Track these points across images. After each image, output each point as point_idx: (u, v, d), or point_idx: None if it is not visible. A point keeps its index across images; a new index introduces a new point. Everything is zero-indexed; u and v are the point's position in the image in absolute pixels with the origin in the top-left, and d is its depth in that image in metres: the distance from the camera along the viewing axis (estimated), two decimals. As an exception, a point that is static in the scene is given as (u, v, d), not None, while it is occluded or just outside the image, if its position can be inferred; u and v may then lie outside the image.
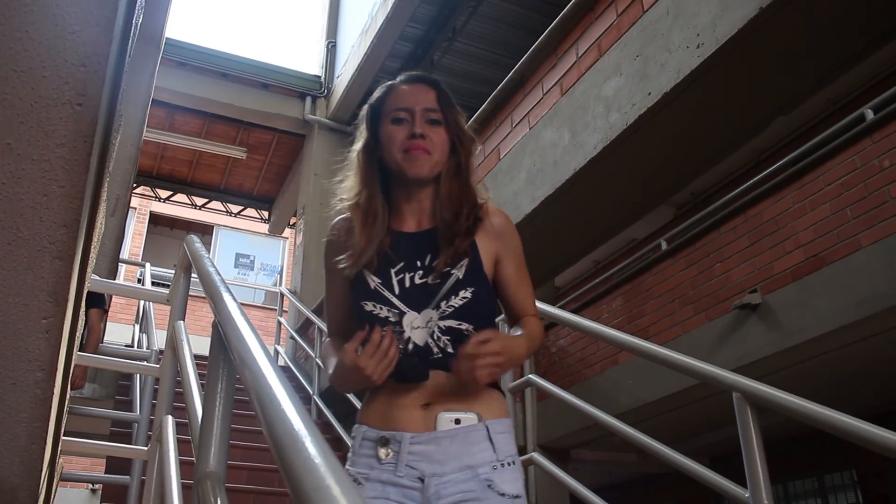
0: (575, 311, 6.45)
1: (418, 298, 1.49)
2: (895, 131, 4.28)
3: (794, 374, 4.77)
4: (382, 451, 1.43)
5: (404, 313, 1.48)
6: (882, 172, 4.26)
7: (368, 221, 1.54)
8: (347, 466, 1.47)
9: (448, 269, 1.49)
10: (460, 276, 1.48)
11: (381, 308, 1.49)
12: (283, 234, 13.78)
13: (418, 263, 1.52)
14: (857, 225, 4.32)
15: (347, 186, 1.61)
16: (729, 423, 2.25)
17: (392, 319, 1.48)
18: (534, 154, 4.11)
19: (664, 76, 3.21)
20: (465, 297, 1.47)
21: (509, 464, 1.45)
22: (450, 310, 1.47)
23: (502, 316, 1.71)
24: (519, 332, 1.55)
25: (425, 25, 8.41)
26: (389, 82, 1.63)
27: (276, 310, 9.15)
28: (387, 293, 1.50)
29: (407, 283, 1.51)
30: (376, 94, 1.63)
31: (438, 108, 1.56)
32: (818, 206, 4.63)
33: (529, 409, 3.98)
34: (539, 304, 3.40)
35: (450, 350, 1.46)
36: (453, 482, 1.40)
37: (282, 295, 8.80)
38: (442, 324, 1.47)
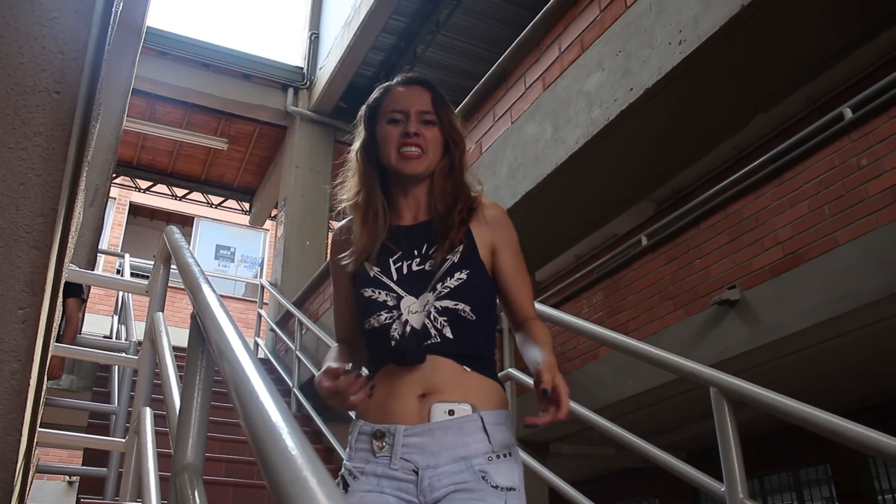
0: (555, 306, 6.47)
1: (416, 284, 1.53)
2: (873, 130, 4.32)
3: (772, 370, 4.82)
4: (377, 445, 1.45)
5: (402, 297, 1.52)
6: (860, 171, 4.31)
7: (369, 219, 1.59)
8: (345, 462, 1.50)
9: (445, 256, 1.53)
10: (455, 260, 1.52)
11: (379, 293, 1.53)
12: (264, 226, 13.70)
13: (415, 252, 1.57)
14: (834, 222, 4.36)
15: (348, 187, 1.67)
16: (707, 418, 2.27)
17: (390, 303, 1.51)
18: (515, 148, 4.11)
19: (646, 72, 3.22)
20: (460, 279, 1.50)
21: (505, 455, 1.44)
22: (445, 290, 1.49)
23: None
24: (535, 347, 1.54)
25: (409, 18, 8.39)
26: (386, 83, 1.69)
27: (256, 302, 9.11)
28: (385, 279, 1.55)
29: (405, 270, 1.55)
30: (374, 95, 1.68)
31: (433, 109, 1.61)
32: (797, 204, 4.67)
33: (510, 404, 4.00)
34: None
35: (448, 334, 1.48)
36: (447, 473, 1.40)
37: (262, 287, 8.76)
38: (438, 304, 1.49)
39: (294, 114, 9.15)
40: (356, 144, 1.68)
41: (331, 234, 1.69)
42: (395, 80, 1.69)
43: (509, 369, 3.57)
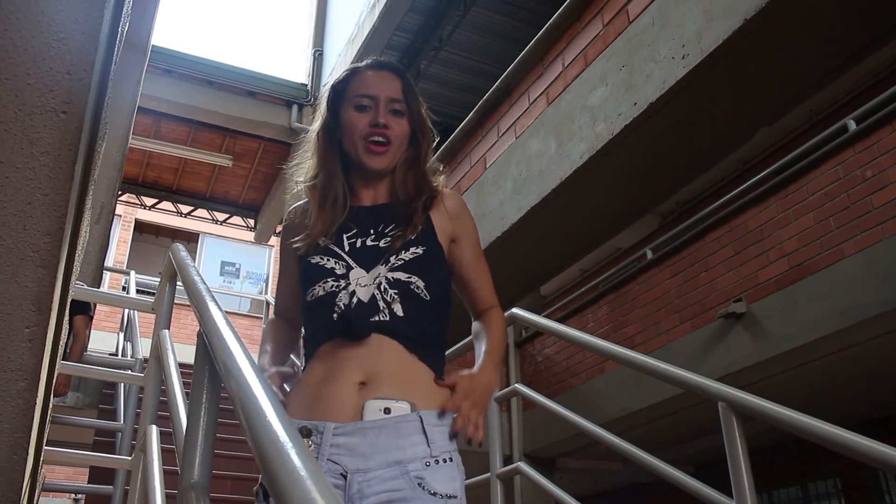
0: (561, 320, 6.47)
1: (368, 258, 1.44)
2: (877, 142, 4.32)
3: (779, 383, 4.80)
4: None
5: (352, 268, 1.43)
6: (865, 182, 4.30)
7: (327, 203, 1.51)
8: None
9: (405, 238, 1.45)
10: (412, 238, 1.44)
11: (327, 259, 1.45)
12: (269, 243, 13.72)
13: (371, 231, 1.48)
14: (840, 234, 4.35)
15: (305, 168, 1.59)
16: (715, 432, 2.26)
17: (338, 271, 1.43)
18: (520, 163, 4.12)
19: (650, 87, 3.23)
20: (415, 253, 1.42)
21: (445, 460, 1.31)
22: (399, 262, 1.41)
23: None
24: (481, 344, 1.50)
25: (412, 35, 8.42)
26: (354, 65, 1.60)
27: (261, 318, 9.11)
28: (336, 248, 1.46)
29: (358, 245, 1.46)
30: (340, 75, 1.59)
31: (403, 98, 1.53)
32: (802, 216, 4.66)
33: (515, 419, 3.98)
34: (525, 314, 3.42)
35: (397, 311, 1.38)
36: (379, 479, 1.27)
37: (267, 303, 8.75)
38: (390, 275, 1.40)
39: (298, 130, 9.17)
40: (316, 125, 1.58)
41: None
42: (363, 63, 1.59)
43: (515, 385, 3.55)
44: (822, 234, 4.48)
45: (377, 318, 1.37)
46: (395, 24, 7.92)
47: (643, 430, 5.59)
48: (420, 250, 1.43)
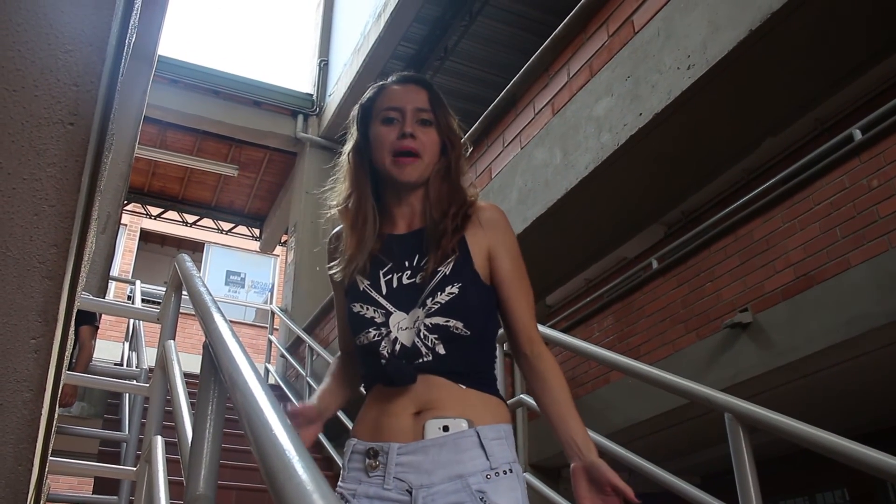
0: (566, 330, 6.45)
1: (406, 298, 1.43)
2: (883, 151, 4.31)
3: (785, 393, 4.77)
4: (370, 464, 1.36)
5: (391, 313, 1.43)
6: (870, 192, 4.29)
7: (357, 225, 1.50)
8: (339, 483, 1.42)
9: (436, 267, 1.43)
10: (447, 273, 1.42)
11: (367, 308, 1.44)
12: (275, 252, 13.75)
13: (406, 264, 1.47)
14: (846, 244, 4.34)
15: (338, 191, 1.57)
16: (721, 442, 2.25)
17: (378, 320, 1.43)
18: (525, 173, 4.12)
19: (655, 97, 3.23)
20: (451, 293, 1.40)
21: (505, 472, 1.34)
22: (436, 307, 1.39)
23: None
24: (570, 420, 1.42)
25: (417, 45, 8.45)
26: (381, 82, 1.58)
27: (266, 328, 9.11)
28: (374, 294, 1.45)
29: (395, 284, 1.46)
30: (367, 93, 1.58)
31: (430, 108, 1.51)
32: (808, 226, 4.65)
33: (521, 429, 3.96)
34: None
35: (440, 351, 1.39)
36: (442, 493, 1.31)
37: (272, 313, 8.77)
38: (429, 321, 1.39)
39: (304, 140, 9.21)
40: (348, 146, 1.57)
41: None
42: (389, 79, 1.58)
43: (521, 395, 3.54)
44: (829, 243, 4.46)
45: (421, 360, 1.39)
46: (401, 35, 7.95)
47: (649, 441, 5.56)
48: (455, 289, 1.41)
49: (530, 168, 4.08)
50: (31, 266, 1.27)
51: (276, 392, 6.79)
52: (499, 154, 4.50)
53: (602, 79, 3.64)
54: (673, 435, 5.68)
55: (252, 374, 0.99)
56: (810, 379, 4.68)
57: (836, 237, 4.43)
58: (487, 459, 1.34)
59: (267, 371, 8.15)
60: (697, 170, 3.68)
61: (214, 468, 1.23)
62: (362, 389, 1.54)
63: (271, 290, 15.11)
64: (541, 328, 3.38)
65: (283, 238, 11.09)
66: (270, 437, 0.76)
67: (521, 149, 4.24)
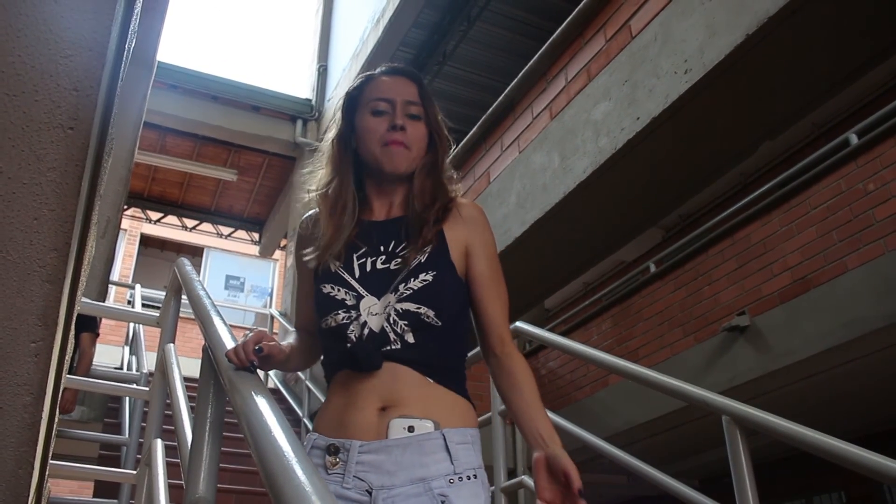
0: (565, 333, 6.46)
1: (379, 283, 1.40)
2: (879, 155, 4.33)
3: (782, 396, 4.79)
4: (330, 460, 1.32)
5: (362, 297, 1.40)
6: (867, 196, 4.31)
7: (336, 212, 1.48)
8: None
9: (415, 255, 1.41)
10: (422, 260, 1.40)
11: (338, 290, 1.41)
12: (274, 256, 13.74)
13: (382, 248, 1.45)
14: (843, 248, 4.36)
15: (318, 176, 1.56)
16: (719, 445, 2.26)
17: (349, 302, 1.40)
18: (524, 177, 4.13)
19: (652, 101, 3.24)
20: (425, 280, 1.38)
21: (469, 477, 1.31)
22: (408, 292, 1.37)
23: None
24: (535, 413, 1.38)
25: (416, 50, 8.46)
26: (369, 72, 1.57)
27: (265, 329, 9.10)
28: (346, 276, 1.43)
29: (368, 268, 1.43)
30: (355, 82, 1.57)
31: (420, 102, 1.50)
32: (805, 230, 4.67)
33: (519, 433, 3.98)
34: (529, 327, 3.42)
35: (409, 339, 1.36)
36: (403, 496, 1.27)
37: (272, 317, 8.77)
38: (399, 307, 1.36)
39: (303, 145, 9.21)
40: (331, 133, 1.56)
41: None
42: (378, 70, 1.56)
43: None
44: (825, 247, 4.48)
45: (389, 348, 1.36)
46: (400, 40, 7.96)
47: (647, 444, 5.57)
48: (430, 276, 1.39)
49: (528, 172, 4.09)
50: (31, 270, 1.28)
51: (275, 396, 6.79)
52: (497, 158, 4.51)
53: (600, 83, 3.65)
54: (671, 438, 5.69)
55: (251, 378, 1.00)
56: (807, 382, 4.70)
57: (832, 241, 4.44)
58: (452, 464, 1.31)
59: (266, 375, 8.14)
60: (695, 173, 3.69)
61: (214, 471, 1.23)
62: (325, 379, 1.49)
63: (270, 294, 15.10)
64: (540, 332, 3.41)
65: (283, 242, 11.09)
66: (270, 440, 0.77)
67: (520, 153, 4.25)
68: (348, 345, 1.37)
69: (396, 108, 1.48)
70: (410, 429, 1.31)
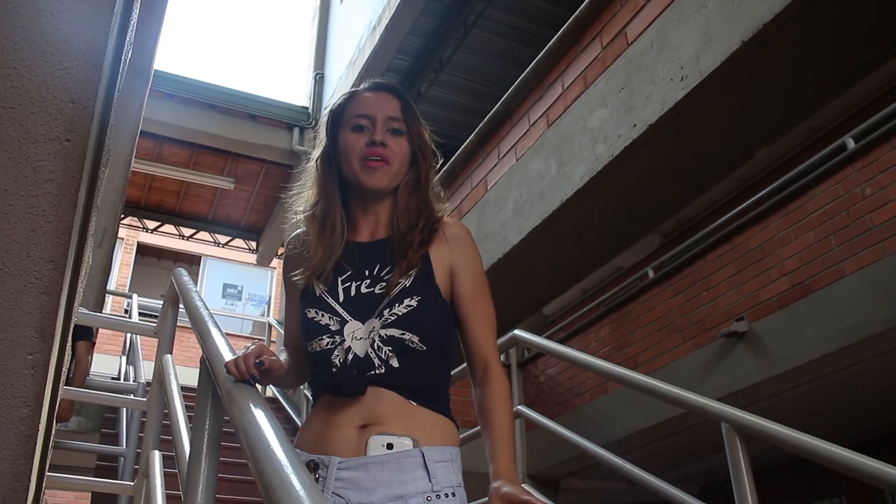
0: (563, 340, 6.46)
1: (363, 308, 1.40)
2: (876, 160, 4.33)
3: (782, 402, 4.78)
4: None
5: (346, 321, 1.40)
6: (864, 200, 4.31)
7: (325, 233, 1.48)
8: None
9: (399, 279, 1.41)
10: (407, 285, 1.40)
11: (322, 315, 1.41)
12: (271, 265, 13.73)
13: (366, 272, 1.44)
14: (841, 252, 4.36)
15: (304, 197, 1.55)
16: (718, 451, 2.26)
17: (333, 327, 1.40)
18: (521, 185, 4.13)
19: (649, 108, 3.24)
20: (409, 306, 1.37)
21: (447, 495, 1.30)
22: (392, 318, 1.37)
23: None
24: (495, 441, 1.37)
25: (412, 57, 8.47)
26: (353, 89, 1.57)
27: (263, 340, 9.10)
28: (331, 300, 1.43)
29: (353, 292, 1.43)
30: (338, 100, 1.56)
31: (402, 117, 1.49)
32: (802, 234, 4.67)
33: (519, 440, 3.97)
34: (527, 335, 3.42)
35: (394, 364, 1.35)
36: None
37: (269, 325, 8.76)
38: (384, 332, 1.36)
39: (300, 153, 9.21)
40: (316, 152, 1.55)
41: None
42: (361, 86, 1.56)
43: (518, 406, 3.55)
44: (823, 252, 4.48)
45: (373, 373, 1.36)
46: (396, 47, 7.97)
47: (647, 450, 5.56)
48: (414, 302, 1.38)
49: (526, 179, 4.09)
50: (27, 282, 1.28)
51: (272, 405, 6.80)
52: (494, 166, 4.52)
53: (596, 90, 3.66)
54: (671, 444, 5.68)
55: (249, 390, 1.00)
56: (806, 387, 4.69)
57: (830, 245, 4.45)
58: (430, 482, 1.30)
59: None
60: (692, 180, 3.69)
61: (212, 482, 1.23)
62: (310, 397, 1.49)
63: (268, 303, 15.06)
64: (538, 339, 3.41)
65: (280, 251, 11.08)
66: (267, 451, 0.77)
67: (517, 160, 4.26)
68: (333, 370, 1.38)
69: (377, 124, 1.47)
70: (389, 446, 1.31)
